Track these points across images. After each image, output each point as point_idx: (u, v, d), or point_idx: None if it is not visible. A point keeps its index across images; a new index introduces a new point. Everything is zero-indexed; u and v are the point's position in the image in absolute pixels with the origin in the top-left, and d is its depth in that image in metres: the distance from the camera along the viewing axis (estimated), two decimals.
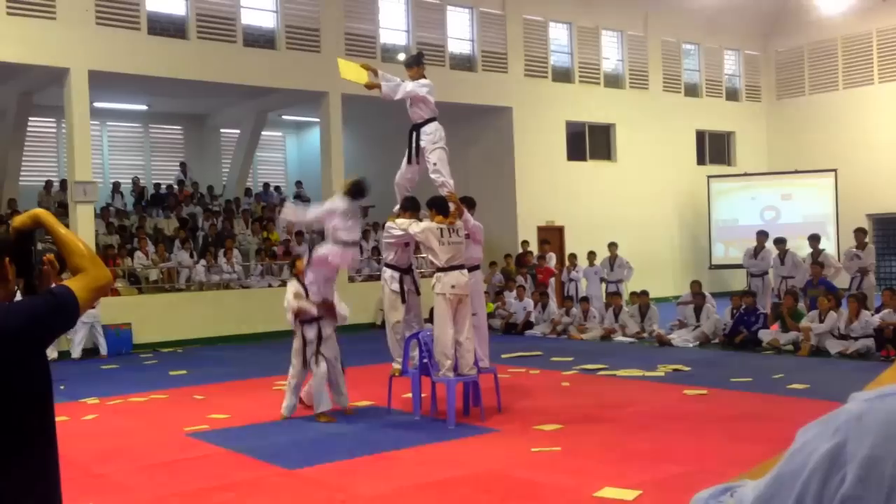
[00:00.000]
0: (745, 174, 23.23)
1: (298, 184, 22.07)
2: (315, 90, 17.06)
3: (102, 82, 15.36)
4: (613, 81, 22.27)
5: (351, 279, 17.80)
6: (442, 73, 17.72)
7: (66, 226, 2.52)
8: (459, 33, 19.68)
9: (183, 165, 20.87)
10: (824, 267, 14.43)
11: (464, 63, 19.64)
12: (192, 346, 15.16)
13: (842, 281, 14.85)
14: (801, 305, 13.40)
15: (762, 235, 16.11)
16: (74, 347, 13.95)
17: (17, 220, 2.39)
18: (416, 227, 8.29)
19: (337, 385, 8.53)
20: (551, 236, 19.96)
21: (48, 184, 18.33)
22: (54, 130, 19.80)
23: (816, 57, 24.27)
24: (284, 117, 22.00)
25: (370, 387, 9.44)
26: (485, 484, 6.11)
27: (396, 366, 8.69)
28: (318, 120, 18.68)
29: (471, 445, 7.25)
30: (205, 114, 21.48)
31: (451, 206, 8.38)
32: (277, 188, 22.01)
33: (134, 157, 21.38)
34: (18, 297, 2.35)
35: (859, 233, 15.06)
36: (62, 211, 15.66)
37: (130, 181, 20.06)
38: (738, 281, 19.15)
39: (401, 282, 8.73)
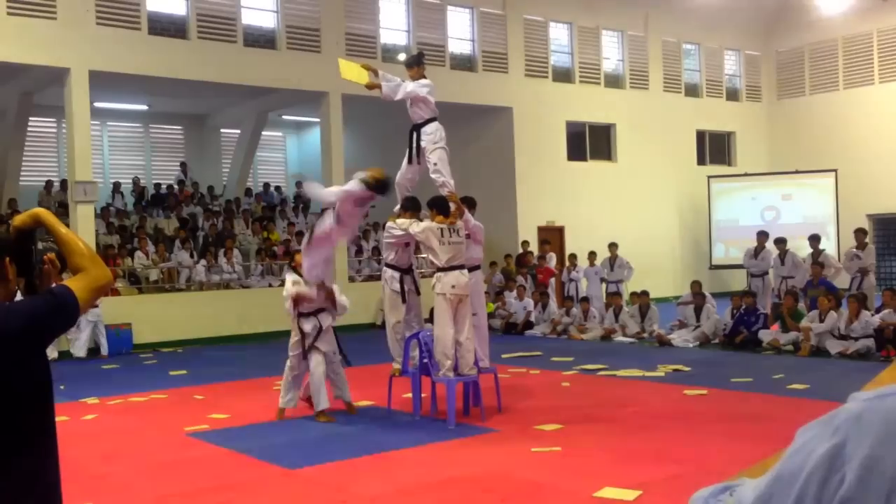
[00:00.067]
0: (746, 174, 23.23)
1: (298, 184, 22.06)
2: (315, 90, 17.06)
3: (103, 82, 15.36)
4: (614, 81, 22.27)
5: (351, 279, 17.81)
6: (442, 74, 17.72)
7: (67, 226, 2.51)
8: (460, 33, 19.68)
9: (183, 165, 20.87)
10: (824, 267, 14.43)
11: (464, 63, 19.64)
12: (193, 346, 15.16)
13: (842, 281, 14.85)
14: (802, 306, 13.40)
15: (762, 236, 16.10)
16: (79, 346, 13.98)
17: (18, 220, 2.39)
18: (416, 227, 8.29)
19: (336, 381, 8.51)
20: (551, 236, 19.96)
21: (48, 184, 18.33)
22: (55, 130, 19.81)
23: (817, 57, 24.27)
24: (285, 117, 22.01)
25: (370, 387, 9.44)
26: (485, 484, 6.10)
27: (396, 366, 8.68)
28: (318, 120, 18.68)
29: (471, 445, 7.25)
30: (205, 114, 21.48)
31: (452, 206, 8.38)
32: (278, 188, 22.02)
33: (134, 157, 21.38)
34: (19, 296, 2.36)
35: (859, 233, 15.06)
36: (62, 211, 15.66)
37: (131, 181, 20.07)
38: (739, 281, 19.14)
39: (401, 282, 8.73)
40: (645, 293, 14.97)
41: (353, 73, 8.90)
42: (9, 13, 14.01)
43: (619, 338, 14.46)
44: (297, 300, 8.25)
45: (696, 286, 14.55)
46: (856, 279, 14.44)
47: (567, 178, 20.77)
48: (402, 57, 17.06)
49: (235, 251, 17.14)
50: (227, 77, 16.32)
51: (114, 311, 14.51)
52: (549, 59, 20.97)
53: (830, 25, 23.52)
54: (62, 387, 10.09)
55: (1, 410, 2.12)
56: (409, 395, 8.67)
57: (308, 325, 8.31)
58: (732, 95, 24.98)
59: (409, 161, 8.86)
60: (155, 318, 15.26)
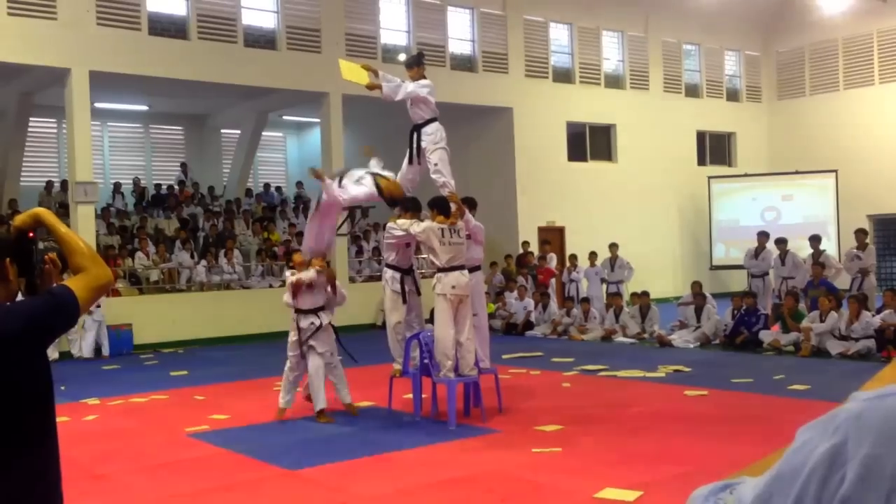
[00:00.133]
0: (746, 175, 23.24)
1: (299, 184, 22.08)
2: (316, 90, 17.07)
3: (103, 83, 15.37)
4: (614, 82, 22.27)
5: (352, 280, 17.81)
6: (442, 74, 17.73)
7: (67, 226, 2.51)
8: (460, 34, 19.69)
9: (183, 166, 20.88)
10: (825, 267, 14.42)
11: (464, 63, 19.65)
12: (193, 346, 15.17)
13: (842, 282, 14.84)
14: (802, 306, 13.40)
15: (763, 236, 16.09)
16: (86, 347, 14.04)
17: (18, 220, 2.40)
18: (417, 227, 8.29)
19: (335, 382, 8.47)
20: (552, 237, 19.96)
21: (49, 184, 18.34)
22: (55, 131, 19.81)
23: (817, 57, 24.27)
24: (285, 118, 22.01)
25: (371, 387, 9.44)
26: (486, 484, 6.10)
27: (397, 366, 8.68)
28: (318, 120, 18.68)
29: (472, 446, 7.25)
30: (205, 114, 21.49)
31: (453, 207, 8.38)
32: (278, 189, 22.02)
33: (135, 158, 21.39)
34: (21, 297, 2.36)
35: (860, 233, 15.05)
36: (63, 211, 15.66)
37: (131, 182, 20.07)
38: (739, 282, 19.14)
39: (402, 282, 8.73)
40: (645, 294, 14.96)
41: (353, 73, 8.91)
42: (9, 13, 14.02)
43: (620, 338, 14.46)
44: (298, 288, 8.22)
45: (696, 287, 14.55)
46: (856, 280, 14.43)
47: (567, 179, 20.77)
48: (402, 57, 17.06)
49: (236, 252, 17.14)
50: (227, 77, 16.32)
51: (114, 312, 14.52)
52: (550, 60, 20.97)
53: (830, 26, 23.52)
54: (63, 387, 10.08)
55: (1, 411, 2.12)
56: (410, 395, 8.67)
57: (305, 322, 8.28)
58: (733, 96, 24.98)
59: (410, 161, 8.87)
60: (155, 318, 15.26)
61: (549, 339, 15.18)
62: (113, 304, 14.56)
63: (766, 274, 15.84)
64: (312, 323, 8.25)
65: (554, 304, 16.47)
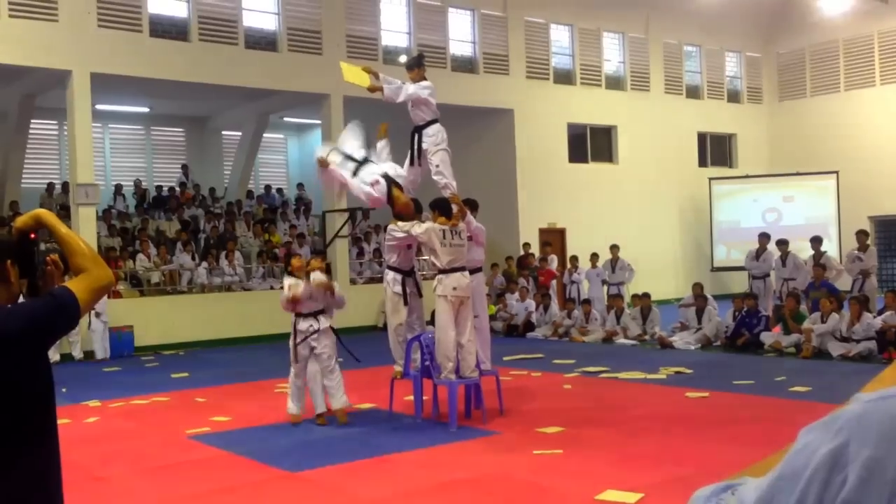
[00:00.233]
0: (747, 176, 23.23)
1: (300, 186, 22.08)
2: (316, 92, 17.08)
3: (104, 85, 15.38)
4: (615, 83, 22.28)
5: (353, 281, 17.82)
6: (443, 75, 17.74)
7: (69, 228, 2.51)
8: (461, 35, 19.70)
9: (184, 168, 20.89)
10: (826, 269, 14.41)
11: (465, 65, 19.66)
12: (194, 348, 15.17)
13: (843, 283, 14.83)
14: (804, 308, 13.39)
15: (764, 237, 16.08)
16: (98, 348, 14.15)
17: (20, 221, 2.40)
18: (418, 229, 8.28)
19: (329, 388, 8.24)
20: (553, 238, 19.96)
21: (50, 186, 18.35)
22: (56, 133, 19.83)
23: (818, 59, 24.27)
24: (286, 119, 22.03)
25: (372, 389, 9.44)
26: (487, 487, 6.10)
27: (398, 368, 8.67)
28: (319, 122, 18.70)
29: (473, 448, 7.24)
30: (206, 116, 21.50)
31: (454, 208, 8.38)
32: (279, 190, 22.02)
33: (136, 160, 21.40)
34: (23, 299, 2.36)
35: (861, 235, 15.03)
36: (64, 213, 15.67)
37: (132, 183, 20.08)
38: (740, 283, 19.13)
39: (403, 284, 8.72)
40: (646, 295, 14.96)
41: (354, 76, 8.92)
42: (10, 15, 14.03)
43: (621, 340, 14.45)
44: (295, 299, 8.20)
45: (697, 288, 14.55)
46: (857, 281, 14.42)
47: (568, 180, 20.78)
48: (403, 59, 17.08)
49: (237, 253, 17.15)
50: (228, 79, 16.33)
51: (115, 314, 14.52)
52: (551, 61, 20.98)
53: (831, 27, 23.53)
54: (64, 389, 10.07)
55: (2, 412, 2.12)
56: (411, 397, 8.66)
57: (304, 325, 8.23)
58: (733, 97, 24.99)
59: (411, 163, 8.86)
60: (156, 320, 15.27)
61: (549, 340, 15.18)
62: (114, 305, 14.56)
63: (767, 275, 15.83)
64: (311, 326, 8.22)
65: (555, 305, 16.47)
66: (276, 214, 20.12)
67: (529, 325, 15.97)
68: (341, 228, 17.07)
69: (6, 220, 15.33)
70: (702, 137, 24.05)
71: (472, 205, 9.21)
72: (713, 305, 14.23)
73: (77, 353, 14.02)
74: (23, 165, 17.86)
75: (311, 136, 22.74)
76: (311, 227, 20.21)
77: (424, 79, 8.83)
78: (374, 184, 8.48)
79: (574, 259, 17.89)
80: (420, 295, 8.97)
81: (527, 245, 19.19)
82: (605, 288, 17.39)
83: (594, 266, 17.54)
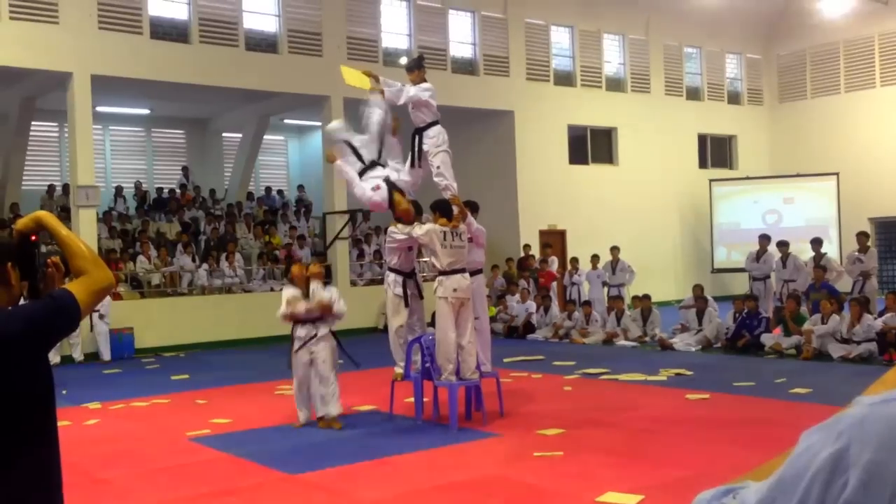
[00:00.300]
0: (747, 178, 23.23)
1: (300, 188, 22.09)
2: (317, 94, 17.08)
3: (105, 86, 15.39)
4: (615, 85, 22.29)
5: (353, 283, 17.82)
6: (444, 77, 17.74)
7: (69, 230, 2.51)
8: (461, 37, 19.70)
9: (185, 169, 20.90)
10: (826, 270, 14.41)
11: (465, 67, 19.66)
12: (195, 350, 15.17)
13: (844, 285, 14.83)
14: (804, 309, 13.38)
15: (764, 239, 16.07)
16: (104, 350, 14.21)
17: (21, 223, 2.40)
18: (419, 230, 8.28)
19: (325, 394, 8.15)
20: (553, 240, 19.96)
21: (51, 188, 18.36)
22: (57, 134, 19.83)
23: (818, 60, 24.27)
24: (286, 121, 22.03)
25: (372, 391, 9.44)
26: (487, 488, 6.10)
27: (399, 370, 8.67)
28: (319, 124, 18.69)
29: (473, 450, 7.24)
30: (207, 118, 21.51)
31: (455, 210, 8.38)
32: (280, 192, 22.03)
33: (136, 162, 21.41)
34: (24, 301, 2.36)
35: (861, 236, 15.03)
36: (65, 215, 15.68)
37: (133, 185, 20.09)
38: (740, 284, 19.13)
39: (404, 286, 8.72)
40: (647, 297, 14.96)
41: (355, 79, 8.94)
42: (11, 18, 14.04)
43: (621, 341, 14.45)
44: (290, 319, 8.18)
45: (697, 290, 14.54)
46: (858, 283, 14.41)
47: (569, 182, 20.78)
48: (403, 61, 17.09)
49: (237, 255, 17.14)
50: (228, 81, 16.34)
51: (116, 316, 14.53)
52: (551, 63, 20.99)
53: (832, 29, 23.54)
54: (64, 391, 10.08)
55: (2, 414, 2.12)
56: (412, 399, 8.66)
57: (302, 332, 8.20)
58: (734, 99, 24.99)
59: (412, 165, 8.86)
60: (157, 322, 15.27)
61: (550, 342, 15.17)
62: (114, 307, 14.56)
63: (768, 277, 15.83)
64: (310, 332, 8.18)
65: (555, 307, 16.46)
66: (276, 216, 20.12)
67: (529, 326, 15.96)
68: (342, 230, 17.07)
69: (7, 223, 15.33)
70: (702, 139, 24.06)
71: (472, 206, 9.22)
72: (713, 307, 14.23)
73: (77, 356, 14.02)
74: (23, 167, 17.87)
75: (312, 137, 22.75)
76: (312, 228, 20.21)
77: (425, 81, 8.84)
78: (375, 188, 8.46)
79: (574, 261, 17.89)
80: (421, 297, 8.97)
81: (527, 247, 19.19)
82: (606, 289, 17.38)
83: (595, 268, 17.54)
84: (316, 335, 8.16)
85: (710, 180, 22.76)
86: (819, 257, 14.94)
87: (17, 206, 16.77)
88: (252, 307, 16.07)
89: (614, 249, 17.42)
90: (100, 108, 17.42)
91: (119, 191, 19.55)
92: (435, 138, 8.70)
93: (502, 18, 20.12)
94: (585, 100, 21.36)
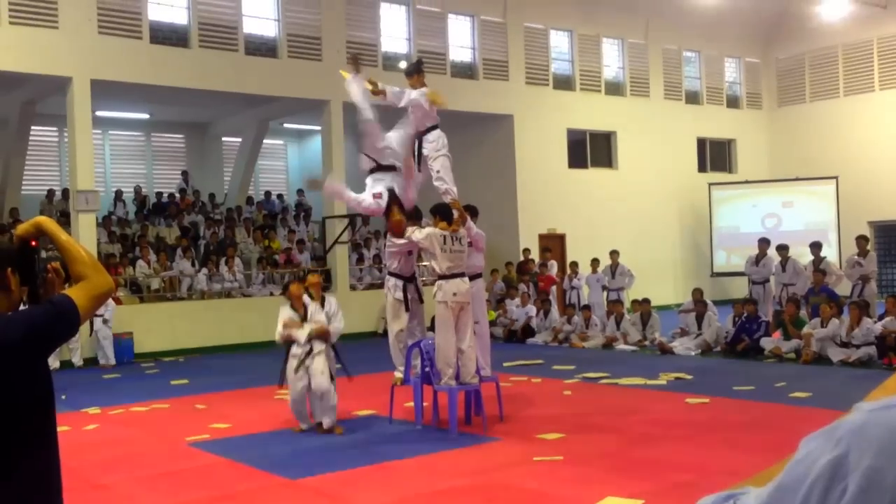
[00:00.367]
0: (747, 181, 23.24)
1: (300, 192, 22.09)
2: (316, 98, 17.10)
3: (104, 91, 15.40)
4: (614, 89, 22.30)
5: (353, 287, 17.82)
6: (443, 81, 17.73)
7: (69, 235, 2.52)
8: (460, 41, 19.72)
9: (185, 174, 20.90)
10: (826, 274, 14.41)
11: (465, 71, 19.68)
12: (194, 355, 15.15)
13: (843, 288, 14.84)
14: (803, 313, 13.39)
15: (764, 243, 16.07)
16: (109, 353, 14.22)
17: (21, 229, 2.40)
18: (419, 234, 8.28)
19: (322, 406, 8.12)
20: (553, 244, 19.96)
21: (50, 193, 18.36)
22: (56, 139, 19.84)
23: (817, 64, 24.30)
24: (286, 125, 22.03)
25: (372, 396, 9.43)
26: (487, 493, 6.09)
27: (398, 375, 8.66)
28: (319, 128, 18.70)
29: (473, 454, 7.24)
30: (206, 122, 21.52)
31: (455, 214, 8.38)
32: (279, 196, 22.04)
33: (136, 166, 21.41)
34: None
35: (861, 240, 15.04)
36: (64, 220, 15.67)
37: (132, 190, 20.09)
38: (740, 288, 19.14)
39: (404, 290, 8.72)
40: (646, 301, 14.96)
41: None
42: (11, 22, 14.05)
43: (621, 346, 14.45)
44: (287, 341, 8.15)
45: (697, 294, 14.55)
46: (857, 286, 14.42)
47: (568, 186, 20.79)
48: (402, 65, 17.09)
49: (237, 260, 17.14)
50: (228, 85, 16.35)
51: (115, 321, 14.51)
52: (550, 67, 21.01)
53: (830, 33, 23.56)
54: (63, 397, 10.06)
55: (2, 419, 2.12)
56: (411, 404, 8.65)
57: (298, 349, 8.11)
58: (733, 103, 25.01)
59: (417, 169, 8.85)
60: (156, 326, 15.25)
61: (550, 346, 15.17)
62: (114, 312, 14.54)
63: (767, 281, 15.83)
64: (304, 350, 8.13)
65: (555, 311, 16.46)
66: (275, 220, 20.12)
67: (528, 330, 15.96)
68: (341, 234, 17.07)
69: (6, 227, 15.34)
70: (701, 143, 24.08)
71: (472, 211, 9.21)
72: (713, 311, 14.24)
73: (77, 360, 14.01)
74: (23, 172, 17.86)
75: (312, 142, 22.75)
76: (311, 233, 20.21)
77: (424, 85, 8.84)
78: (377, 195, 8.42)
79: (574, 265, 17.89)
80: (421, 301, 8.97)
81: (527, 251, 19.19)
82: (605, 293, 17.38)
83: (594, 271, 17.55)
84: (311, 351, 8.11)
85: (710, 184, 22.77)
86: (818, 261, 14.95)
87: (16, 210, 16.77)
88: (251, 312, 16.05)
89: (614, 253, 17.44)
90: (99, 113, 17.42)
91: (119, 195, 19.55)
92: (435, 143, 8.70)
93: (501, 23, 20.14)
94: (585, 104, 21.38)
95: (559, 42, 21.40)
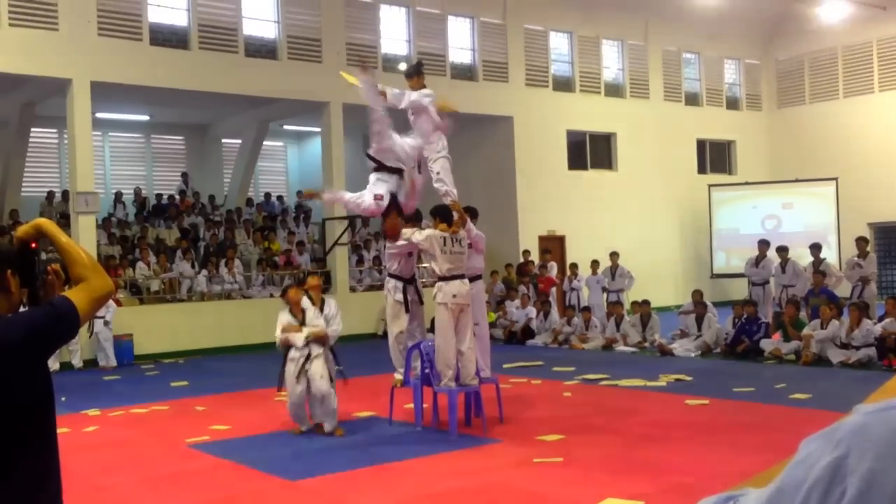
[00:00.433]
0: (746, 183, 23.24)
1: (300, 194, 22.07)
2: (316, 100, 17.10)
3: (104, 93, 15.40)
4: (614, 90, 22.31)
5: (352, 289, 17.82)
6: (443, 83, 17.75)
7: (69, 237, 2.52)
8: (460, 43, 19.73)
9: (184, 175, 20.90)
10: (826, 276, 14.42)
11: (465, 73, 19.69)
12: (194, 356, 15.15)
13: (843, 290, 14.84)
14: (803, 314, 13.39)
15: (764, 244, 16.09)
16: (109, 357, 14.22)
17: (21, 231, 2.41)
18: (419, 236, 8.27)
19: (323, 409, 8.11)
20: (552, 246, 19.96)
21: (50, 194, 18.36)
22: (56, 141, 19.84)
23: (817, 66, 24.32)
24: (286, 127, 22.03)
25: (372, 398, 9.43)
26: (487, 495, 6.09)
27: (398, 376, 8.66)
28: (319, 129, 18.71)
29: (473, 456, 7.23)
30: (206, 124, 21.52)
31: (455, 215, 8.38)
32: (279, 198, 22.05)
33: (136, 168, 21.41)
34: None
35: (861, 241, 15.05)
36: (64, 222, 15.67)
37: (132, 191, 20.09)
38: (739, 290, 19.14)
39: (404, 291, 8.72)
40: (646, 302, 14.96)
41: (357, 82, 8.92)
42: (11, 24, 14.06)
43: (621, 347, 14.45)
44: (284, 344, 8.15)
45: (697, 295, 14.55)
46: (857, 288, 14.43)
47: (568, 188, 20.79)
48: (402, 67, 17.10)
49: (236, 261, 17.13)
50: (228, 87, 16.35)
51: (115, 322, 14.50)
52: (550, 69, 21.02)
53: (830, 34, 23.57)
54: (63, 398, 10.06)
55: (2, 421, 2.12)
56: (411, 405, 8.65)
57: (296, 353, 8.10)
58: (733, 104, 25.02)
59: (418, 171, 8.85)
60: (156, 328, 15.25)
61: (549, 348, 15.17)
62: (115, 313, 14.54)
63: (767, 282, 15.84)
64: (302, 354, 8.11)
65: (555, 312, 16.46)
66: (275, 222, 20.12)
67: (528, 332, 15.95)
68: (341, 236, 17.07)
69: (6, 229, 15.34)
70: (701, 144, 24.08)
71: (472, 212, 9.21)
72: (713, 312, 14.24)
73: (77, 362, 14.01)
74: (23, 174, 17.87)
75: (311, 143, 22.75)
76: (311, 234, 20.21)
77: (424, 87, 8.85)
78: (378, 198, 8.40)
79: (574, 266, 17.90)
80: (421, 302, 8.96)
81: (526, 252, 19.20)
82: (605, 295, 17.39)
83: (594, 273, 17.55)
84: (309, 355, 8.09)
85: (709, 185, 22.77)
86: (818, 262, 14.95)
87: (16, 212, 16.77)
88: (251, 313, 16.05)
89: (613, 255, 17.44)
90: (99, 115, 17.42)
91: (118, 197, 19.55)
92: (434, 144, 8.70)
93: (501, 24, 20.15)
94: (584, 105, 21.39)
95: (559, 43, 21.41)
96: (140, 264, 16.28)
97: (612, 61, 22.44)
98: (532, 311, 16.33)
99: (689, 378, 11.00)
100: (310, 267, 17.31)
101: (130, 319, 14.96)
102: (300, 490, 6.37)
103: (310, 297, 8.39)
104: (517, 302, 16.77)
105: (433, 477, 6.64)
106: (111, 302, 13.89)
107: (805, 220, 21.27)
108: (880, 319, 12.34)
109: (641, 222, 21.72)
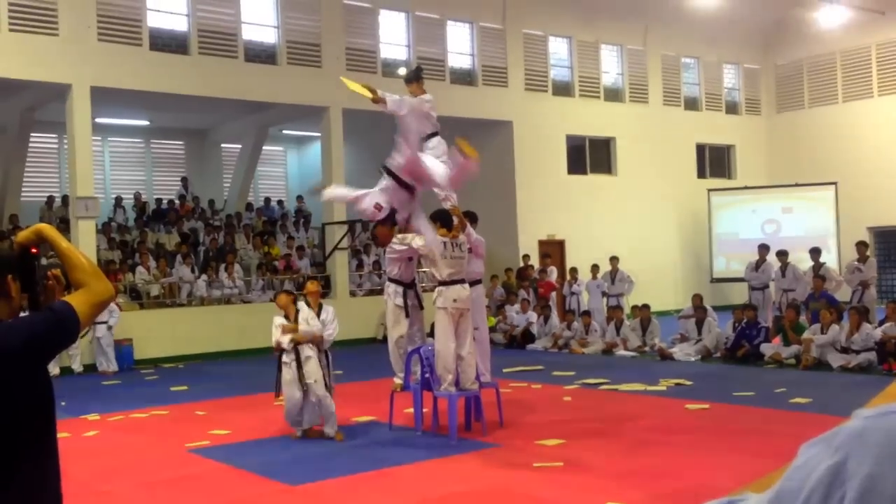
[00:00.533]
0: (746, 187, 23.26)
1: (299, 198, 22.10)
2: (316, 105, 17.12)
3: (104, 98, 15.42)
4: (613, 95, 22.33)
5: (352, 293, 17.81)
6: (442, 88, 17.77)
7: (69, 241, 2.52)
8: (460, 48, 19.75)
9: (184, 180, 20.92)
10: (825, 280, 14.42)
11: (464, 77, 19.71)
12: (194, 361, 15.15)
13: (843, 294, 14.84)
14: (803, 319, 13.39)
15: (763, 249, 16.09)
16: (110, 361, 14.24)
17: (21, 236, 2.41)
18: (419, 241, 8.27)
19: (322, 412, 8.10)
20: (552, 250, 19.96)
21: (50, 199, 18.37)
22: (56, 146, 19.86)
23: (816, 70, 24.34)
24: (285, 132, 22.07)
25: (372, 402, 9.43)
26: (487, 499, 6.09)
27: (398, 381, 8.66)
28: (318, 134, 18.73)
29: (473, 461, 7.23)
30: (206, 129, 21.54)
31: (455, 220, 8.38)
32: (279, 203, 22.06)
33: (135, 173, 21.43)
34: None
35: (861, 246, 15.06)
36: (64, 226, 15.68)
37: (132, 196, 20.10)
38: (739, 294, 19.12)
39: (404, 296, 8.72)
40: (646, 307, 14.96)
41: (357, 88, 8.95)
42: (10, 29, 14.07)
43: (621, 352, 14.44)
44: (278, 348, 8.15)
45: (697, 299, 14.54)
46: (857, 292, 14.43)
47: (567, 192, 20.80)
48: (402, 71, 17.11)
49: (236, 266, 17.14)
50: (227, 92, 16.37)
51: (115, 327, 14.49)
52: (549, 73, 21.04)
53: (829, 39, 23.59)
54: (63, 403, 10.05)
55: (2, 426, 2.12)
56: (411, 410, 8.65)
57: (287, 357, 8.10)
58: (732, 109, 25.04)
59: None
60: (156, 333, 15.24)
61: (549, 352, 15.16)
62: (119, 318, 14.54)
63: (767, 286, 15.84)
64: (294, 358, 8.09)
65: (555, 317, 16.46)
66: (275, 227, 20.13)
67: (528, 336, 15.95)
68: (340, 241, 17.07)
69: (6, 234, 15.34)
70: (700, 149, 24.10)
71: (472, 217, 9.22)
72: (713, 317, 14.23)
73: (77, 367, 14.01)
74: (22, 179, 17.88)
75: (311, 148, 22.78)
76: (311, 239, 20.21)
77: (424, 92, 8.86)
78: (377, 207, 8.40)
79: (574, 271, 17.89)
80: (421, 307, 8.96)
81: (526, 257, 19.20)
82: (605, 299, 17.39)
83: (594, 277, 17.55)
84: (299, 357, 8.05)
85: (709, 190, 22.78)
86: (818, 267, 14.96)
87: (16, 217, 16.77)
88: (251, 318, 16.01)
89: (613, 259, 17.44)
90: (99, 120, 17.44)
91: (118, 202, 19.57)
92: (435, 149, 8.72)
93: (500, 29, 20.18)
94: (584, 110, 21.41)
95: (558, 48, 21.44)
96: (140, 269, 16.28)
97: (611, 66, 22.47)
98: (532, 315, 16.33)
99: (689, 382, 10.99)
100: (309, 271, 17.31)
101: (130, 324, 14.95)
102: (300, 495, 6.36)
103: (307, 303, 8.38)
104: (517, 306, 16.77)
105: (433, 481, 6.64)
106: (115, 307, 13.90)
107: (805, 225, 21.27)
108: (880, 323, 12.33)
109: (641, 226, 21.73)
